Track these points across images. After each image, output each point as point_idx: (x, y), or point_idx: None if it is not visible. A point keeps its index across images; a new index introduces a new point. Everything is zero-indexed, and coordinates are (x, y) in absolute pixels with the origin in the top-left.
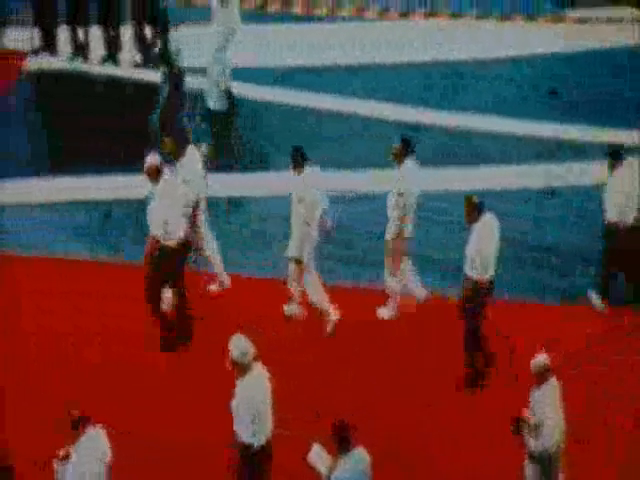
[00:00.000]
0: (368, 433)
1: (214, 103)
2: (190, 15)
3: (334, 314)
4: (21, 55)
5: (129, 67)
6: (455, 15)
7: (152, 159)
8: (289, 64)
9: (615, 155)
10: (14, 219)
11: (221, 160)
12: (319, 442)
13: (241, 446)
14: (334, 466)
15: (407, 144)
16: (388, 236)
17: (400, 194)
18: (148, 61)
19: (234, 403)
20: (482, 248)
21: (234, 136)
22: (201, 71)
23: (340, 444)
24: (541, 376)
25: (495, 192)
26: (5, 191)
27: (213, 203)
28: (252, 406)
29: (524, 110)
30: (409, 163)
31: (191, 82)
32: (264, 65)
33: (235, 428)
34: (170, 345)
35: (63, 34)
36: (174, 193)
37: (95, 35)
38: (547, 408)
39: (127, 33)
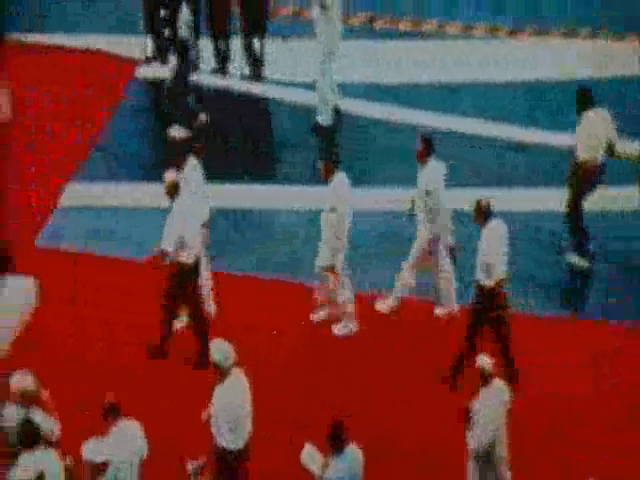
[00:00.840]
0: (363, 434)
1: (322, 117)
2: (297, 28)
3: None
4: (135, 62)
5: (237, 79)
6: (567, 34)
7: (170, 175)
8: (396, 81)
9: (584, 98)
10: (127, 222)
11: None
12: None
13: (219, 450)
14: (327, 465)
15: (429, 143)
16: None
17: (428, 192)
18: (256, 74)
19: (212, 408)
20: (488, 253)
21: (338, 151)
22: (307, 85)
23: (334, 443)
24: (483, 379)
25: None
26: (118, 194)
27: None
28: (231, 412)
29: (637, 130)
30: (433, 162)
31: (300, 96)
32: (371, 81)
33: (213, 432)
34: (157, 353)
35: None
36: (191, 209)
37: (205, 46)
38: (485, 410)
39: (236, 45)
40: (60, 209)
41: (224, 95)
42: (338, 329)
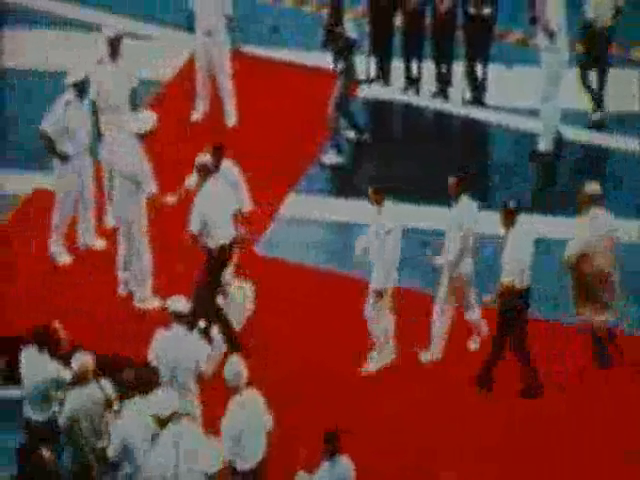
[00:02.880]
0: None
1: (543, 144)
2: (521, 55)
3: (388, 354)
4: (358, 82)
5: (458, 103)
6: None
7: (203, 157)
8: (625, 109)
9: None
10: (340, 236)
11: (544, 202)
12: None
13: (230, 469)
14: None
15: (462, 179)
16: (451, 273)
17: (460, 229)
18: (477, 99)
19: (222, 422)
20: (515, 256)
21: (559, 179)
22: (530, 112)
23: (325, 448)
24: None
25: None
26: (335, 208)
27: None
28: (236, 431)
29: None
30: (465, 199)
31: (522, 122)
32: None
33: (223, 447)
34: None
35: (397, 66)
36: (220, 195)
37: (428, 69)
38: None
39: (459, 70)
40: (280, 219)
41: (443, 119)
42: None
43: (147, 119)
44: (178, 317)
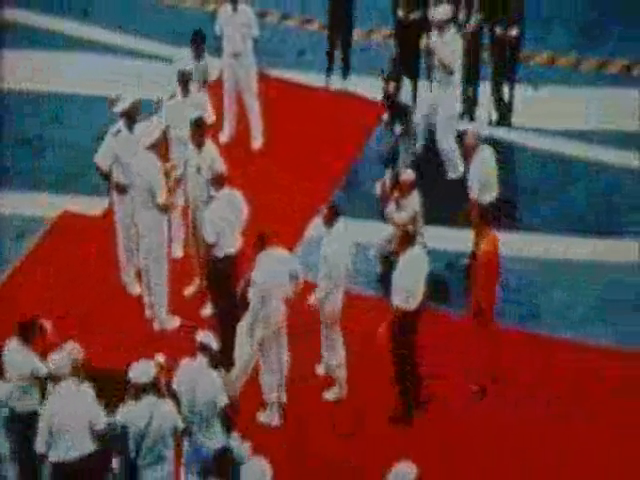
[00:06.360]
0: None
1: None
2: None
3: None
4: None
5: (484, 124)
6: None
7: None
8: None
9: None
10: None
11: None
12: None
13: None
14: None
15: (335, 209)
16: (314, 300)
17: (325, 258)
18: (503, 120)
19: (41, 412)
20: (407, 278)
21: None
22: (558, 132)
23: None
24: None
25: None
26: (360, 233)
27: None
28: (50, 416)
29: None
30: (338, 228)
31: (549, 143)
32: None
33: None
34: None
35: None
36: (233, 206)
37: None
38: None
39: (485, 91)
40: (307, 241)
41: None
42: (263, 417)
43: (153, 131)
44: (204, 349)
